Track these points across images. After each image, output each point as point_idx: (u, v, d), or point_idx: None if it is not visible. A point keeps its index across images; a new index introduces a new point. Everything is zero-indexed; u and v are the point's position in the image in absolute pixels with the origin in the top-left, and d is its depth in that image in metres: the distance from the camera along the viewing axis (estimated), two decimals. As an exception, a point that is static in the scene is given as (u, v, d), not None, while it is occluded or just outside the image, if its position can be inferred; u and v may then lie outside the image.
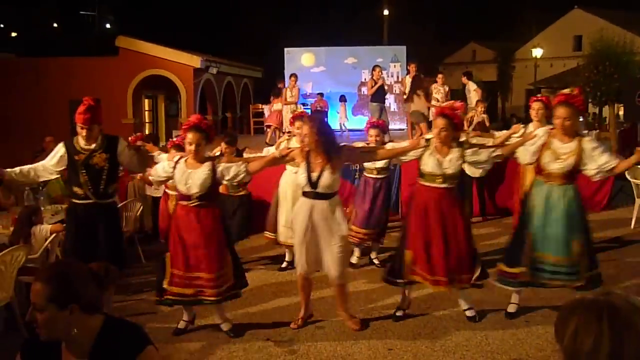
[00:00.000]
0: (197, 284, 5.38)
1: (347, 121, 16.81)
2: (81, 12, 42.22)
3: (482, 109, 11.59)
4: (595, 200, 10.84)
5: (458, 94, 15.87)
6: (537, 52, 36.54)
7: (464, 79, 14.23)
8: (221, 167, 5.39)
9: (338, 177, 5.39)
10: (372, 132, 7.20)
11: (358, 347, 5.28)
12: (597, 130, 27.49)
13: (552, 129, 5.45)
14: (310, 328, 5.71)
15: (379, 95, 13.25)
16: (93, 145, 5.53)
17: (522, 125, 7.15)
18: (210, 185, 5.36)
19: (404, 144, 5.91)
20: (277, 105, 16.02)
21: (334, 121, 17.10)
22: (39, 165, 5.70)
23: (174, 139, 8.71)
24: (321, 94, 17.80)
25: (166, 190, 8.10)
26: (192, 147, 5.32)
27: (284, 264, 7.76)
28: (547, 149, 5.36)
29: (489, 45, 43.50)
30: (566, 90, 5.42)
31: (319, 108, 17.59)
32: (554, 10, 38.50)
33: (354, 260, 7.58)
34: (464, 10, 44.88)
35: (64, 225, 6.03)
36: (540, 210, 5.38)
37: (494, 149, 5.72)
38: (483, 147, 5.74)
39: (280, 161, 5.72)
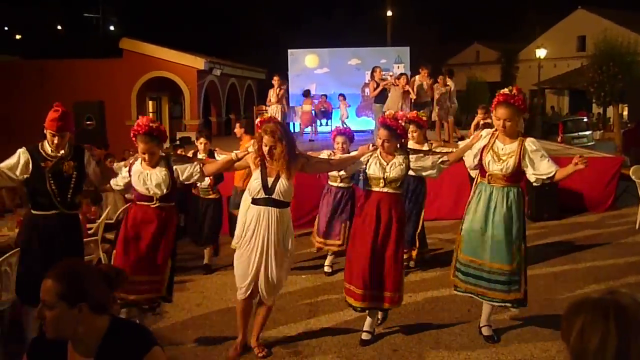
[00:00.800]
0: (134, 288, 5.09)
1: (348, 117, 16.80)
2: (85, 15, 42.30)
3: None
4: (600, 201, 10.84)
5: (461, 94, 15.85)
6: (541, 53, 36.50)
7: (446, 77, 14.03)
8: (176, 166, 5.27)
9: (292, 185, 5.07)
10: (339, 139, 7.10)
11: (363, 348, 5.28)
12: (602, 131, 27.52)
13: (495, 130, 5.26)
14: (316, 329, 5.71)
15: (383, 96, 13.24)
16: (62, 152, 5.22)
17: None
18: (170, 184, 5.23)
19: (354, 153, 5.78)
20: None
21: (337, 119, 17.12)
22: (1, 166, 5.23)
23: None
24: (325, 96, 17.81)
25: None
26: (146, 157, 5.19)
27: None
28: (489, 150, 5.17)
29: (492, 46, 43.51)
30: (505, 90, 5.14)
31: (322, 109, 17.64)
32: (558, 11, 38.51)
33: (327, 269, 7.58)
34: (467, 11, 44.89)
35: (21, 239, 5.60)
36: (480, 212, 5.16)
37: (440, 155, 5.57)
38: (429, 153, 5.63)
39: (239, 164, 5.36)
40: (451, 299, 6.18)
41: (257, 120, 7.44)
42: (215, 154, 7.72)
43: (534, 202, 10.03)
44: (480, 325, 5.44)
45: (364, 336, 5.42)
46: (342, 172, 7.03)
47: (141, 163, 5.26)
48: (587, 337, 1.56)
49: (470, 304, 6.24)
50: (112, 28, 43.32)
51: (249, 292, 5.13)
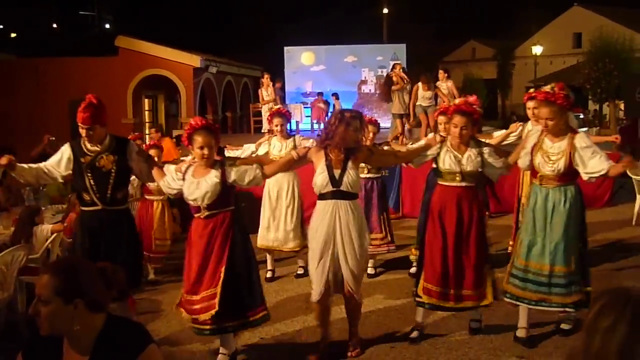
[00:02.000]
0: (195, 309, 4.82)
1: None
2: (80, 13, 42.23)
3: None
4: (597, 197, 10.85)
5: (458, 92, 15.79)
6: (537, 50, 36.53)
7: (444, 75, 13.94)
8: (235, 171, 4.84)
9: (359, 176, 4.99)
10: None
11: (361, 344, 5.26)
12: (598, 127, 27.55)
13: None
14: (312, 326, 5.69)
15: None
16: (99, 147, 5.08)
17: (519, 124, 6.89)
18: (221, 192, 4.76)
19: (421, 143, 5.65)
20: (319, 104, 16.25)
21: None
22: (42, 166, 5.18)
23: (149, 143, 8.54)
24: (321, 93, 17.79)
25: (146, 196, 7.75)
26: (205, 151, 4.75)
27: (269, 274, 7.36)
28: (538, 149, 4.99)
29: (488, 43, 43.52)
30: (546, 88, 4.98)
31: (322, 105, 17.61)
32: (554, 8, 38.52)
33: (370, 270, 7.18)
34: (463, 8, 44.88)
35: (74, 230, 5.58)
36: (538, 215, 4.98)
37: (506, 156, 5.39)
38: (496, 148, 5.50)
39: (299, 163, 5.21)
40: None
41: (267, 115, 7.38)
42: (225, 151, 7.66)
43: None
44: (519, 326, 5.19)
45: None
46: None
47: (193, 171, 4.85)
48: (602, 316, 1.61)
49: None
50: (107, 26, 43.25)
51: (322, 293, 4.89)
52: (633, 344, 1.53)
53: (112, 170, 5.07)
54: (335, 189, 4.80)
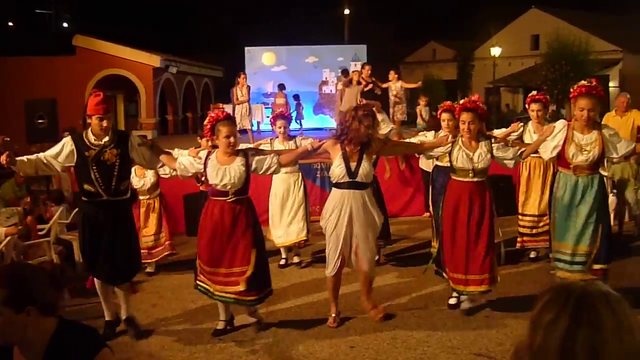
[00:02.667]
0: (227, 280, 5.29)
1: (303, 118, 16.81)
2: (37, 11, 41.40)
3: (425, 103, 12.05)
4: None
5: (417, 92, 15.94)
6: (496, 51, 36.99)
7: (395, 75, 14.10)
8: (255, 160, 5.34)
9: (372, 167, 5.51)
10: (279, 123, 7.35)
11: (320, 346, 5.27)
12: (555, 128, 28.03)
13: (569, 121, 5.63)
14: (272, 327, 5.68)
15: (370, 95, 13.25)
16: (104, 141, 5.30)
17: (520, 124, 7.22)
18: (246, 179, 5.29)
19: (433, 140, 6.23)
20: (279, 99, 16.24)
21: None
22: (41, 157, 5.35)
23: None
24: (282, 85, 17.55)
25: (139, 197, 7.76)
26: (231, 140, 5.24)
27: (282, 261, 7.78)
28: (570, 142, 5.49)
29: (449, 45, 43.88)
30: (584, 82, 5.52)
31: (281, 101, 17.52)
32: (512, 10, 39.05)
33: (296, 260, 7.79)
34: (423, 9, 45.27)
35: (79, 225, 5.72)
36: (567, 201, 5.54)
37: (518, 147, 5.87)
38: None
39: (313, 154, 5.67)
40: (407, 294, 6.22)
41: (271, 117, 7.55)
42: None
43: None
44: None
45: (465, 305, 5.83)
46: None
47: (217, 157, 5.29)
48: (545, 311, 1.62)
49: (428, 299, 6.31)
50: (65, 25, 42.48)
51: (337, 268, 5.52)
52: (573, 337, 1.55)
53: (116, 163, 5.33)
54: (351, 180, 5.34)
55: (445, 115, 6.55)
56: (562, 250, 5.61)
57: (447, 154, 5.75)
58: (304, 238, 7.61)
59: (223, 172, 5.22)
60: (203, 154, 5.40)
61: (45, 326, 2.33)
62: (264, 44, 21.53)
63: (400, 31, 43.69)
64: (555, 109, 30.52)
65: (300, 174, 7.61)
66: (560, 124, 5.69)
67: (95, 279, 5.57)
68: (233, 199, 5.26)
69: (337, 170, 5.36)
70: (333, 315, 5.69)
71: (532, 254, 7.56)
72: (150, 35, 30.52)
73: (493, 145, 5.61)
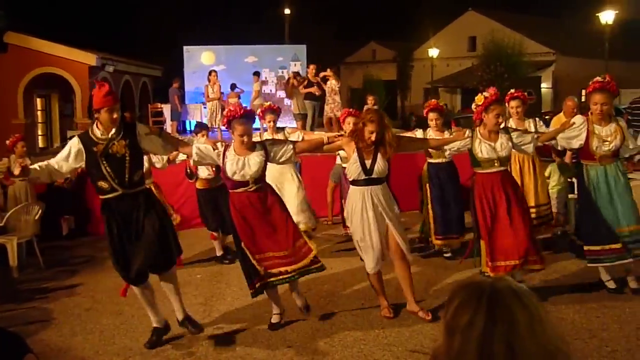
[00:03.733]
0: (278, 262, 5.34)
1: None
2: (-33, 7, 40.06)
3: (373, 102, 12.32)
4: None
5: (357, 92, 16.08)
6: (434, 52, 37.65)
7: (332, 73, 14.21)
8: (273, 148, 5.42)
9: (387, 163, 5.61)
10: (269, 117, 7.50)
11: (257, 346, 5.27)
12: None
13: (587, 116, 5.98)
14: (209, 329, 5.64)
15: (309, 95, 13.34)
16: (110, 134, 5.08)
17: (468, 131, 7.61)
18: (264, 167, 5.39)
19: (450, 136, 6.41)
20: (232, 99, 16.06)
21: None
22: (52, 163, 5.14)
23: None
24: (233, 85, 17.44)
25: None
26: (245, 138, 5.28)
27: None
28: (592, 136, 5.86)
29: (388, 45, 44.45)
30: (598, 78, 5.86)
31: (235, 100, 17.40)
32: (449, 12, 39.78)
33: None
34: (364, 10, 45.64)
35: (106, 228, 5.32)
36: (603, 190, 5.88)
37: (536, 134, 6.22)
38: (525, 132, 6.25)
39: (326, 148, 5.65)
40: (343, 294, 6.26)
41: (259, 111, 7.46)
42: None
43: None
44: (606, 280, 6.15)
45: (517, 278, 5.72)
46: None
47: (234, 150, 5.32)
48: (460, 314, 1.63)
49: (364, 297, 6.36)
50: (-4, 21, 41.25)
51: (378, 265, 5.61)
52: (490, 337, 1.57)
53: (127, 155, 5.11)
54: (367, 177, 5.48)
55: (432, 115, 7.04)
56: (622, 235, 5.87)
57: (467, 149, 5.86)
58: (313, 227, 7.89)
59: (243, 163, 5.27)
60: (220, 145, 5.42)
61: None
62: (203, 43, 21.34)
63: (340, 31, 43.98)
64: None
65: (294, 166, 7.73)
66: (579, 118, 6.06)
67: (134, 287, 5.30)
68: (254, 187, 5.34)
69: (353, 168, 5.50)
70: (386, 307, 5.79)
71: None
72: (86, 34, 29.84)
73: (512, 133, 5.84)
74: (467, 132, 5.89)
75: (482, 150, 5.74)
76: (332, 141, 5.63)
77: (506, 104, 7.38)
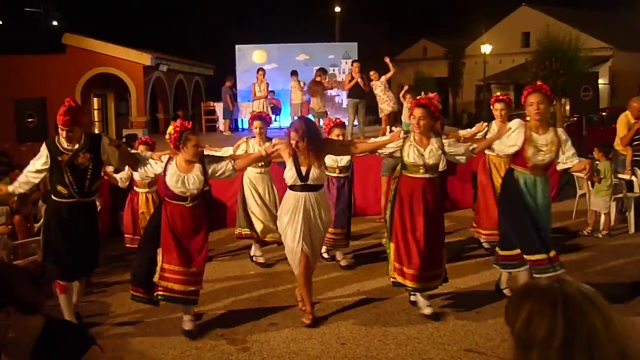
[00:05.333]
0: (187, 279, 5.48)
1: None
2: (27, 9, 41.20)
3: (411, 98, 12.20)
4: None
5: (408, 90, 15.91)
6: (486, 49, 37.08)
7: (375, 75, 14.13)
8: (211, 166, 5.55)
9: (324, 168, 5.65)
10: (256, 123, 7.41)
11: (311, 343, 5.29)
12: (545, 125, 28.13)
13: (526, 120, 5.70)
14: (263, 325, 5.69)
15: (356, 91, 13.27)
16: (77, 146, 5.45)
17: (485, 124, 7.49)
18: (203, 185, 5.55)
19: (384, 138, 6.14)
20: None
21: (288, 111, 17.00)
22: (29, 173, 5.57)
23: (142, 138, 8.65)
24: (273, 92, 17.70)
25: (135, 188, 7.91)
26: (199, 150, 5.54)
27: (261, 259, 7.82)
28: (529, 142, 5.56)
29: (439, 42, 44.01)
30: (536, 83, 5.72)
31: (271, 105, 17.55)
32: (502, 8, 39.15)
33: (343, 262, 7.60)
34: (414, 7, 45.33)
35: (43, 223, 5.84)
36: (529, 199, 5.61)
37: (470, 143, 5.96)
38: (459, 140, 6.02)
39: (268, 159, 5.87)
40: (397, 290, 6.23)
41: (249, 117, 7.56)
42: (205, 151, 7.68)
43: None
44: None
45: (427, 312, 5.72)
46: (342, 163, 7.37)
47: (177, 163, 5.49)
48: (534, 325, 1.54)
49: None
50: (55, 23, 42.28)
51: (303, 266, 5.61)
52: (571, 349, 1.50)
53: (89, 167, 5.49)
54: (303, 183, 5.47)
55: (498, 105, 7.15)
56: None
57: (399, 151, 5.66)
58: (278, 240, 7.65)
59: (182, 180, 5.44)
60: (165, 157, 5.60)
61: (30, 325, 2.31)
62: (255, 42, 21.46)
63: (391, 29, 43.78)
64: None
65: (270, 175, 7.68)
66: (515, 123, 5.77)
67: (60, 282, 5.57)
68: (191, 204, 5.52)
69: (289, 174, 5.52)
70: (309, 312, 5.73)
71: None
72: (140, 34, 30.47)
73: (444, 141, 5.61)
74: (402, 134, 5.72)
75: (410, 154, 5.56)
76: (272, 152, 5.71)
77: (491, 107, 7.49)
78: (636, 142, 8.79)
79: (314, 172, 5.46)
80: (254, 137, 7.46)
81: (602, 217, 8.63)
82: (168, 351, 5.27)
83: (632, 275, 6.77)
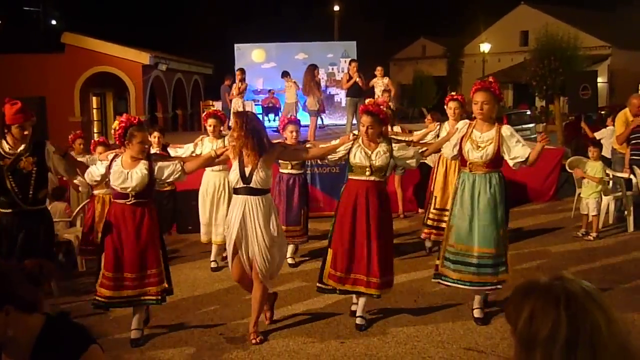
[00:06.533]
0: (127, 284, 5.26)
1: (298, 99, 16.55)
2: (25, 8, 41.14)
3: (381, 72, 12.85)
4: (543, 191, 11.10)
5: (407, 88, 15.93)
6: (485, 47, 37.14)
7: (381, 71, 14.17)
8: (158, 166, 5.32)
9: (270, 174, 5.29)
10: (290, 127, 7.32)
11: (310, 341, 5.28)
12: (544, 123, 28.16)
13: (472, 120, 5.60)
14: (263, 323, 5.68)
15: (355, 90, 13.29)
16: (19, 149, 5.21)
17: (437, 124, 7.62)
18: (148, 183, 5.26)
19: (334, 142, 5.93)
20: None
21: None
22: None
23: (97, 139, 8.58)
24: (272, 91, 17.71)
25: (94, 191, 7.85)
26: (145, 146, 5.30)
27: (213, 264, 7.73)
28: (467, 139, 5.44)
29: (438, 41, 44.06)
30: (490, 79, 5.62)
31: (270, 105, 17.57)
32: (501, 7, 39.20)
33: (289, 260, 7.59)
34: (413, 6, 45.33)
35: None
36: (466, 200, 5.41)
37: (420, 146, 5.93)
38: (409, 143, 5.91)
39: (218, 160, 5.61)
40: (397, 290, 6.23)
41: (204, 114, 7.57)
42: (169, 149, 7.72)
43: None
44: (473, 307, 5.62)
45: (359, 321, 5.52)
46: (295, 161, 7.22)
47: (121, 160, 5.27)
48: (537, 324, 1.54)
49: (416, 294, 6.34)
50: (53, 22, 42.23)
51: (237, 278, 5.44)
52: (575, 345, 1.49)
53: (33, 172, 5.24)
54: (245, 185, 5.17)
55: (452, 104, 7.15)
56: (454, 251, 5.47)
57: (347, 153, 5.53)
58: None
59: (125, 176, 5.20)
60: (110, 156, 5.38)
61: (30, 324, 2.31)
62: (254, 41, 21.47)
63: (390, 28, 43.75)
64: (544, 105, 30.72)
65: (226, 174, 7.53)
66: (462, 123, 5.71)
67: None
68: (133, 201, 5.24)
69: (232, 175, 5.27)
70: (251, 332, 5.38)
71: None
72: (139, 33, 30.46)
73: (393, 146, 5.50)
74: (351, 136, 5.64)
75: (356, 155, 5.43)
76: (222, 153, 5.49)
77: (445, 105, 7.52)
78: (634, 141, 8.78)
79: (258, 174, 5.15)
80: (207, 135, 7.56)
81: (590, 219, 8.55)
82: (167, 350, 5.26)
83: (631, 274, 6.77)
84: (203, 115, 7.66)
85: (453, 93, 7.82)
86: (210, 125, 7.49)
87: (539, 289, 1.61)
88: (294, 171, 7.53)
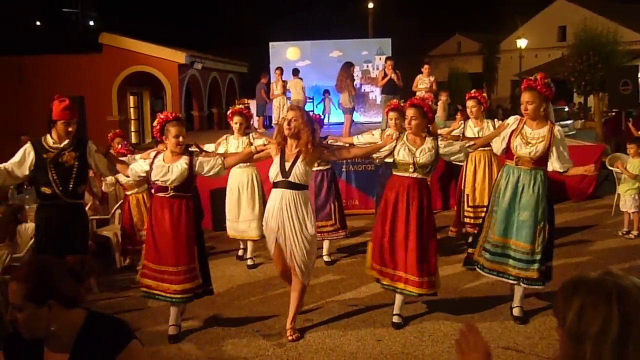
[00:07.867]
0: (163, 277, 5.36)
1: (330, 114, 16.73)
2: (64, 10, 41.86)
3: (446, 98, 12.24)
4: (581, 189, 10.91)
5: (443, 86, 15.84)
6: (522, 43, 36.63)
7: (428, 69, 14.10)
8: (199, 161, 5.44)
9: (310, 171, 5.33)
10: (236, 119, 7.48)
11: (347, 339, 5.28)
12: (583, 120, 27.70)
13: (522, 116, 5.57)
14: (299, 320, 5.68)
15: (390, 87, 13.25)
16: (63, 144, 5.44)
17: (461, 121, 7.78)
18: (187, 177, 5.38)
19: (361, 137, 6.03)
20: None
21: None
22: (7, 167, 5.39)
23: (117, 131, 9.05)
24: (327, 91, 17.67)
25: (125, 192, 8.00)
26: (180, 140, 5.36)
27: (249, 262, 7.80)
28: (517, 134, 5.44)
29: (474, 37, 43.61)
30: (531, 77, 5.54)
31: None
32: (538, 2, 38.64)
33: (326, 258, 7.63)
34: (448, 2, 44.89)
35: (36, 229, 5.70)
36: (509, 193, 5.41)
37: (466, 141, 5.91)
38: (456, 138, 5.96)
39: (258, 156, 5.69)
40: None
41: (229, 112, 7.61)
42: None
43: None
44: (512, 306, 5.59)
45: (395, 319, 5.54)
46: None
47: (164, 157, 5.42)
48: (587, 319, 1.51)
49: (453, 291, 6.28)
50: (91, 23, 42.88)
51: (279, 271, 5.53)
52: (626, 343, 1.46)
53: (75, 166, 5.45)
54: (284, 179, 5.21)
55: (392, 114, 6.68)
56: (493, 242, 5.48)
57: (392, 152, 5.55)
58: (254, 237, 7.70)
59: (166, 169, 5.34)
60: (153, 154, 5.53)
61: (71, 319, 2.36)
62: (288, 39, 21.51)
63: (424, 24, 43.33)
64: (582, 101, 30.21)
65: (254, 170, 7.70)
66: (512, 118, 5.69)
67: None
68: (172, 194, 5.35)
69: (272, 170, 5.29)
70: (289, 329, 5.42)
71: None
72: (175, 32, 30.71)
73: (440, 143, 5.48)
74: (395, 135, 5.59)
75: (400, 152, 5.43)
76: (262, 150, 5.59)
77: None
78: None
79: (298, 168, 5.18)
80: (233, 133, 7.57)
81: (631, 217, 8.44)
82: (204, 346, 5.31)
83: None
84: (228, 112, 7.65)
85: (472, 91, 7.85)
86: (236, 123, 7.49)
87: (589, 284, 1.58)
88: (321, 167, 7.51)
